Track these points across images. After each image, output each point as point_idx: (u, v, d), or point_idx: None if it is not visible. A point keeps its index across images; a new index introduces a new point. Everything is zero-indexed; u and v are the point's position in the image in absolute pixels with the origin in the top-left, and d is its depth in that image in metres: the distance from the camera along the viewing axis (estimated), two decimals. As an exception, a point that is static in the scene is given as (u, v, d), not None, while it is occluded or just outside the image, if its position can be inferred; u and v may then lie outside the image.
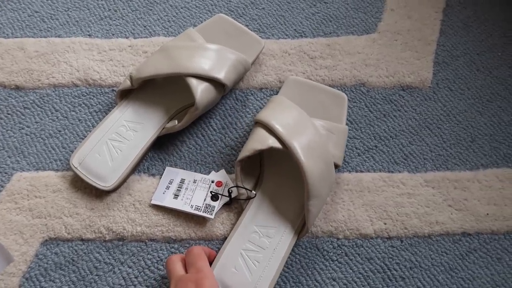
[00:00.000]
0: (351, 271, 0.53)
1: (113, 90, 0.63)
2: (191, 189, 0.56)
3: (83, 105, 0.61)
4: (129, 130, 0.58)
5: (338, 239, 0.55)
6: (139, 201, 0.55)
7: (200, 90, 0.55)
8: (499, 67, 0.67)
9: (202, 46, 0.58)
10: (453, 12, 0.72)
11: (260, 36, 0.65)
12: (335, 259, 0.54)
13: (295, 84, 0.61)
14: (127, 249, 0.53)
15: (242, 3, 0.71)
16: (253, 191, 0.55)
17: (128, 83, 0.57)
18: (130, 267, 0.52)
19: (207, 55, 0.57)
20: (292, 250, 0.54)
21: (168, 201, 0.55)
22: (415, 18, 0.71)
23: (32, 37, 0.66)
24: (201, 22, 0.69)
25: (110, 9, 0.69)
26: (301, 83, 0.61)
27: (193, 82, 0.55)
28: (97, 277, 0.52)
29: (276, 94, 0.63)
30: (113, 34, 0.67)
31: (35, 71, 0.63)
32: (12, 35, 0.66)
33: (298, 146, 0.50)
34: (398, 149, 0.61)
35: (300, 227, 0.53)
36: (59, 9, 0.69)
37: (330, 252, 0.54)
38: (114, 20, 0.68)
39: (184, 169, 0.58)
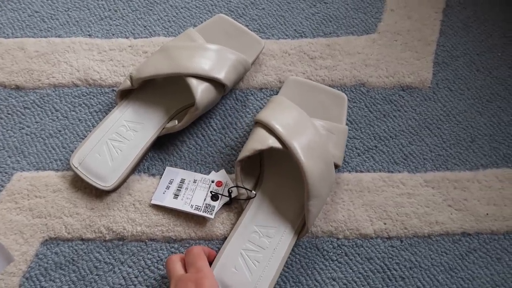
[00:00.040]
0: (351, 271, 0.53)
1: (113, 90, 0.63)
2: (191, 189, 0.56)
3: (83, 105, 0.62)
4: (129, 130, 0.58)
5: (338, 239, 0.55)
6: (139, 201, 0.56)
7: (200, 90, 0.55)
8: (499, 68, 0.67)
9: (202, 46, 0.58)
10: (453, 13, 0.72)
11: (260, 36, 0.65)
12: (335, 259, 0.54)
13: (295, 84, 0.61)
14: (127, 249, 0.53)
15: (242, 3, 0.71)
16: (253, 191, 0.55)
17: (128, 83, 0.57)
18: (130, 267, 0.52)
19: (207, 55, 0.57)
20: (292, 250, 0.54)
21: (168, 201, 0.55)
22: (415, 18, 0.71)
23: (32, 37, 0.66)
24: (201, 22, 0.69)
25: (110, 9, 0.69)
26: (301, 83, 0.61)
27: (193, 82, 0.55)
28: (97, 276, 0.52)
29: (276, 94, 0.63)
30: (113, 34, 0.67)
31: (35, 71, 0.63)
32: (12, 35, 0.66)
33: (298, 146, 0.50)
34: (398, 149, 0.61)
35: (300, 227, 0.53)
36: (59, 9, 0.69)
37: (330, 252, 0.54)
38: (114, 20, 0.68)
39: (184, 169, 0.58)
